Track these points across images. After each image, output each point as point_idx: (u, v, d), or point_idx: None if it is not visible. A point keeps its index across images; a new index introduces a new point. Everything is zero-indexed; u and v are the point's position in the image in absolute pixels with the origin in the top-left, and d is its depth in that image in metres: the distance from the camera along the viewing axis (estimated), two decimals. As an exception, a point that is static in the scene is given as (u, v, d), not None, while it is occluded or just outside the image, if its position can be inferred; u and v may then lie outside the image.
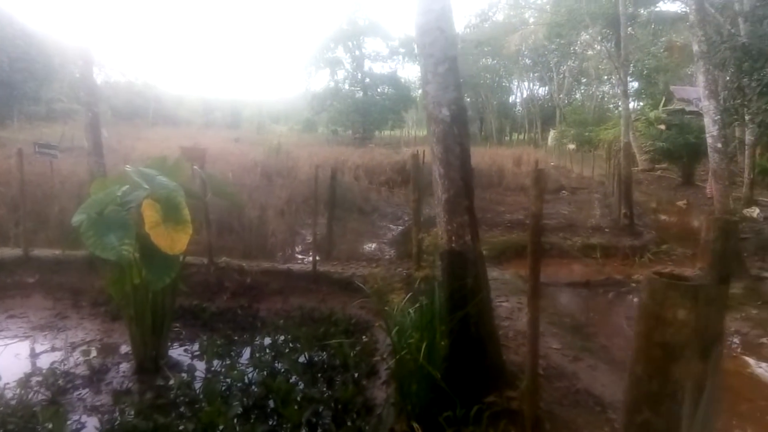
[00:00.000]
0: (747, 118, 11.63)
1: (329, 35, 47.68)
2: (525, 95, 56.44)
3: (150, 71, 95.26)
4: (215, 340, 5.04)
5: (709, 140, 8.08)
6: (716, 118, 7.84)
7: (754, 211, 14.70)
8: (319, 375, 4.48)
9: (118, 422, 3.62)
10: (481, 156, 25.71)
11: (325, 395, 4.05)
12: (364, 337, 5.33)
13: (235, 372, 4.32)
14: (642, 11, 24.98)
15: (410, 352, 3.46)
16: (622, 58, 13.12)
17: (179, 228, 4.17)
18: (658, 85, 34.92)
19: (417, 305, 3.75)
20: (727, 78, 11.52)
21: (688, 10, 9.16)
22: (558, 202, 18.01)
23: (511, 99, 60.19)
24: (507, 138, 57.88)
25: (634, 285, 7.85)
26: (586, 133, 34.45)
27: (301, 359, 4.72)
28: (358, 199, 13.97)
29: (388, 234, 12.04)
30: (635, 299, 7.27)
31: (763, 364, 5.12)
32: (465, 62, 51.21)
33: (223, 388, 4.14)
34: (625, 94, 12.81)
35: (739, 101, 10.48)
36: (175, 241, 4.12)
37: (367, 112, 46.82)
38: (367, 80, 49.29)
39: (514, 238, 11.12)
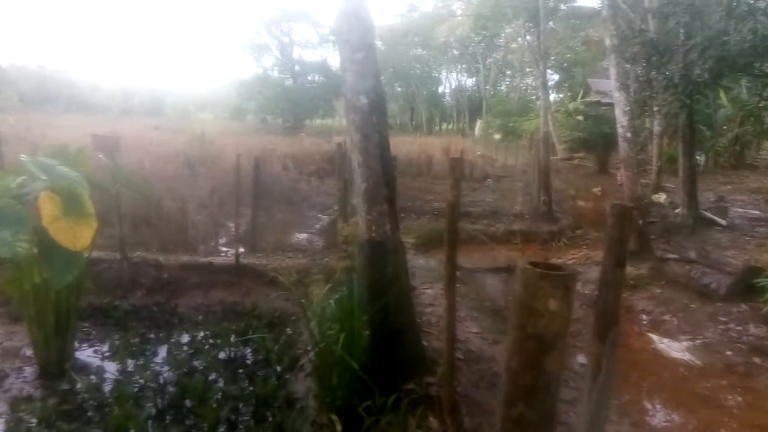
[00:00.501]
0: (655, 109, 12.38)
1: (257, 20, 46.32)
2: (454, 86, 57.57)
3: (63, 55, 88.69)
4: (128, 340, 4.78)
5: (620, 130, 8.55)
6: (626, 109, 8.31)
7: (661, 197, 15.78)
8: (240, 371, 4.35)
9: (15, 432, 3.35)
10: (410, 145, 26.00)
11: (246, 391, 3.94)
12: (288, 330, 5.23)
13: (149, 372, 4.12)
14: (562, 6, 26.06)
15: (330, 344, 3.42)
16: (541, 51, 13.61)
17: (82, 222, 3.88)
18: (576, 78, 36.63)
19: (337, 296, 3.71)
20: (638, 71, 12.21)
21: (602, 6, 9.61)
22: (483, 191, 18.53)
23: (441, 89, 61.22)
24: (437, 128, 58.83)
25: (552, 269, 8.22)
26: (511, 124, 35.59)
27: (222, 355, 4.57)
28: (286, 189, 13.72)
29: (316, 224, 11.92)
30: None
31: (666, 340, 5.51)
32: (395, 52, 51.48)
33: (136, 389, 3.93)
34: (545, 86, 13.29)
35: (647, 93, 11.16)
36: (78, 236, 3.84)
37: (297, 100, 45.94)
38: (297, 68, 48.37)
39: (441, 225, 11.33)
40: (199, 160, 15.96)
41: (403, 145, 26.48)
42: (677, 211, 12.27)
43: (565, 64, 36.51)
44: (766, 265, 7.57)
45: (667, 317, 6.10)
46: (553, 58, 32.01)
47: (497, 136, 35.76)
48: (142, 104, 55.23)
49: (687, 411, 4.32)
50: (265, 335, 4.78)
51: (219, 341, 4.76)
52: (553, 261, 9.36)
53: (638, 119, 17.15)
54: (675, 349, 5.29)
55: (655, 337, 5.63)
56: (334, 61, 54.84)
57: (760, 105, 16.29)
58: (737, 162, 22.22)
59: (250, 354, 4.68)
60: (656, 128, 15.78)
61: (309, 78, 48.94)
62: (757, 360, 4.81)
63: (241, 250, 7.32)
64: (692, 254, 6.91)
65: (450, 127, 58.69)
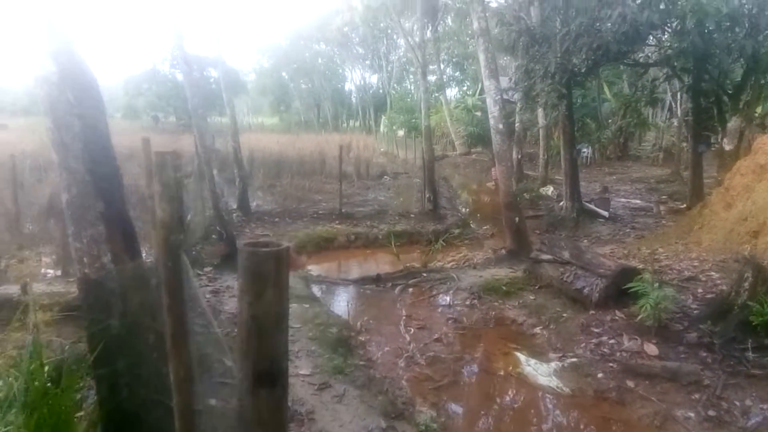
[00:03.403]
0: (540, 101, 12.04)
1: (144, 8, 42.83)
2: (359, 83, 56.74)
3: None
4: None
5: (491, 122, 7.90)
6: (497, 98, 7.65)
7: (549, 189, 15.72)
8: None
9: None
10: (310, 142, 24.81)
11: None
12: None
13: None
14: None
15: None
16: (419, 39, 12.87)
17: None
18: (468, 73, 37.01)
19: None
20: (518, 61, 11.84)
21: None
22: (378, 188, 17.70)
23: (347, 87, 60.16)
24: (344, 125, 57.77)
25: (425, 275, 7.38)
26: (413, 120, 35.27)
27: None
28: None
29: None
30: (420, 292, 6.75)
31: (533, 362, 4.74)
32: (296, 46, 49.86)
33: None
34: (424, 77, 12.67)
35: (526, 83, 10.73)
36: None
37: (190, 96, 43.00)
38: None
39: (318, 230, 10.24)
40: (43, 166, 13.75)
41: (301, 143, 25.21)
42: (561, 203, 12.01)
43: (455, 59, 36.77)
44: (640, 262, 7.19)
45: (538, 330, 5.38)
46: (444, 54, 32.02)
47: (400, 133, 35.38)
48: (19, 102, 49.73)
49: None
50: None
51: None
52: (431, 264, 8.59)
53: (523, 112, 17.10)
54: (542, 372, 4.52)
55: (522, 357, 4.85)
56: (231, 55, 52.17)
57: (636, 95, 16.74)
58: (622, 153, 23.06)
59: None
60: (541, 120, 15.67)
61: (204, 73, 46.05)
62: (630, 383, 4.12)
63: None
64: (566, 254, 6.30)
65: (357, 124, 57.86)
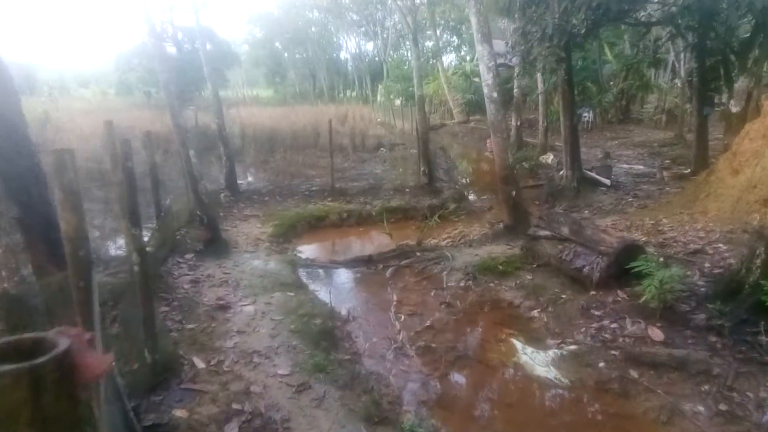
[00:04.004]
0: (538, 65, 11.48)
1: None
2: (354, 51, 55.44)
3: None
4: None
5: (485, 90, 7.43)
6: (490, 64, 7.17)
7: (549, 157, 15.28)
8: None
9: None
10: (305, 114, 24.19)
11: None
12: None
13: None
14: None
15: None
16: (409, 3, 12.21)
17: None
18: (464, 38, 36.05)
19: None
20: (516, 26, 11.26)
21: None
22: (374, 161, 17.26)
23: (343, 56, 58.82)
24: (341, 95, 56.73)
25: (418, 255, 7.06)
26: (410, 89, 34.49)
27: None
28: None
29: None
30: (413, 274, 6.43)
31: (530, 350, 4.44)
32: (288, 15, 48.58)
33: None
34: (415, 43, 12.05)
35: (523, 47, 10.19)
36: None
37: (182, 70, 42.07)
38: (180, 35, 44.21)
39: (309, 209, 9.89)
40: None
41: (295, 115, 24.59)
42: (561, 173, 11.60)
43: (451, 24, 35.73)
44: (644, 234, 6.84)
45: (535, 313, 5.08)
46: (439, 18, 31.02)
47: (398, 102, 34.71)
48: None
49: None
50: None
51: None
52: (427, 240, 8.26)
53: (522, 77, 16.50)
54: (540, 362, 4.23)
55: (518, 344, 4.56)
56: (221, 26, 50.78)
57: (638, 56, 16.11)
58: (624, 117, 22.46)
59: None
60: (540, 86, 15.11)
61: (196, 46, 44.98)
62: (634, 373, 3.82)
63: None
64: (565, 230, 5.95)
65: (353, 94, 56.81)
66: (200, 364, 3.78)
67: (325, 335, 4.49)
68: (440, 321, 5.07)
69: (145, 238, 5.79)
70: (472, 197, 11.80)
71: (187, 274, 5.86)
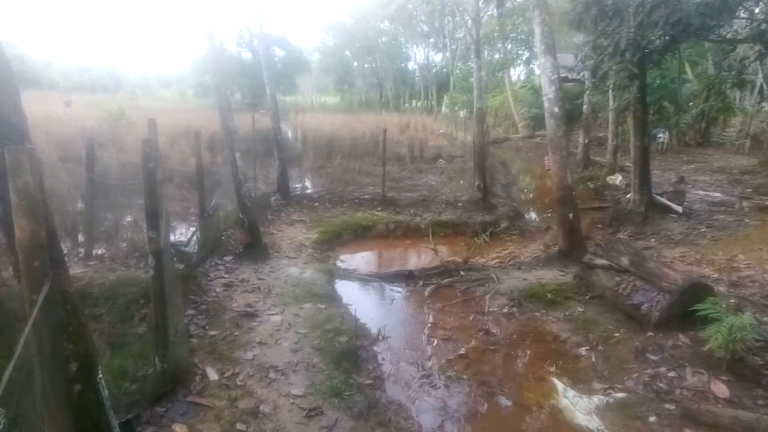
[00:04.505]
0: (608, 81, 10.81)
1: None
2: (422, 62, 55.43)
3: (16, 29, 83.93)
4: None
5: (546, 104, 6.98)
6: (553, 77, 6.72)
7: (617, 178, 14.40)
8: None
9: None
10: (368, 122, 24.29)
11: None
12: None
13: None
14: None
15: None
16: (473, 13, 11.79)
17: None
18: (535, 52, 35.20)
19: None
20: (587, 39, 10.64)
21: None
22: (431, 171, 16.94)
23: (410, 66, 58.95)
24: (406, 105, 56.81)
25: (462, 274, 6.69)
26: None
27: None
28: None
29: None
30: (453, 295, 6.06)
31: (572, 393, 3.99)
32: (360, 25, 49.23)
33: None
34: (478, 54, 11.69)
35: (593, 61, 9.60)
36: None
37: (256, 75, 43.51)
38: (255, 41, 45.82)
39: (357, 217, 9.71)
40: (101, 142, 14.02)
41: (358, 123, 24.73)
42: (629, 196, 10.83)
43: (521, 36, 34.92)
44: (715, 270, 6.16)
45: (583, 351, 4.59)
46: (510, 30, 30.34)
47: (462, 113, 34.29)
48: (100, 81, 52.64)
49: None
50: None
51: None
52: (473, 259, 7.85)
53: (593, 93, 15.69)
54: (582, 408, 3.77)
55: (560, 385, 4.11)
56: (295, 34, 52.23)
57: (722, 75, 14.92)
58: (703, 139, 20.95)
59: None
60: (611, 103, 14.29)
61: (269, 52, 46.40)
62: (688, 434, 3.32)
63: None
64: (624, 260, 5.42)
65: (418, 104, 56.75)
66: (213, 376, 3.62)
67: (348, 355, 4.23)
68: (476, 350, 4.69)
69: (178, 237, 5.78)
70: (528, 216, 11.24)
71: (223, 277, 5.79)
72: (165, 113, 24.07)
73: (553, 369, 4.37)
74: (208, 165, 12.99)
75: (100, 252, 6.65)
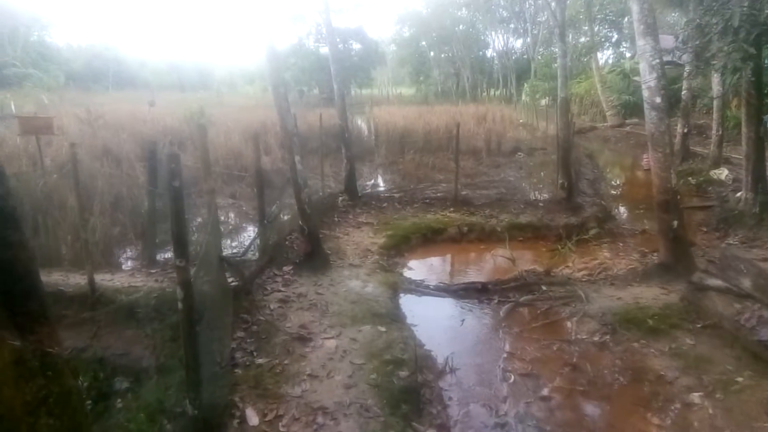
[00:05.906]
0: (716, 63, 9.45)
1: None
2: (501, 49, 53.41)
3: (113, 32, 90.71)
4: None
5: (645, 93, 6.00)
6: (654, 62, 5.73)
7: (723, 173, 12.76)
8: None
9: None
10: (444, 114, 23.40)
11: None
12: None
13: None
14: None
15: None
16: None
17: None
18: (626, 33, 32.62)
19: None
20: (685, 19, 9.36)
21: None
22: (510, 166, 15.97)
23: (488, 54, 56.98)
24: (484, 94, 55.08)
25: (544, 289, 5.92)
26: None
27: None
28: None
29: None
30: (533, 316, 5.32)
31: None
32: (436, 13, 48.18)
33: None
34: (562, 38, 10.57)
35: (698, 42, 8.34)
36: None
37: (329, 71, 43.86)
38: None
39: (427, 219, 9.11)
40: (181, 142, 14.37)
41: (433, 115, 23.94)
42: (739, 194, 9.44)
43: (610, 17, 32.39)
44: None
45: (696, 398, 3.75)
46: (597, 10, 28.17)
47: (543, 102, 32.57)
48: (189, 78, 55.58)
49: None
50: None
51: None
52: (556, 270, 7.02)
53: (693, 77, 14.03)
54: (698, 482, 3.00)
55: (668, 446, 3.33)
56: (371, 27, 52.11)
57: None
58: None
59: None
60: (716, 88, 12.64)
61: (346, 46, 46.58)
62: None
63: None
64: (746, 283, 4.46)
65: (497, 93, 54.80)
66: (253, 420, 3.21)
67: (409, 395, 3.68)
68: (561, 391, 3.98)
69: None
70: (620, 218, 10.11)
71: (279, 290, 5.42)
72: (245, 110, 24.68)
73: (657, 421, 3.58)
74: (279, 164, 12.95)
75: (165, 257, 6.57)
